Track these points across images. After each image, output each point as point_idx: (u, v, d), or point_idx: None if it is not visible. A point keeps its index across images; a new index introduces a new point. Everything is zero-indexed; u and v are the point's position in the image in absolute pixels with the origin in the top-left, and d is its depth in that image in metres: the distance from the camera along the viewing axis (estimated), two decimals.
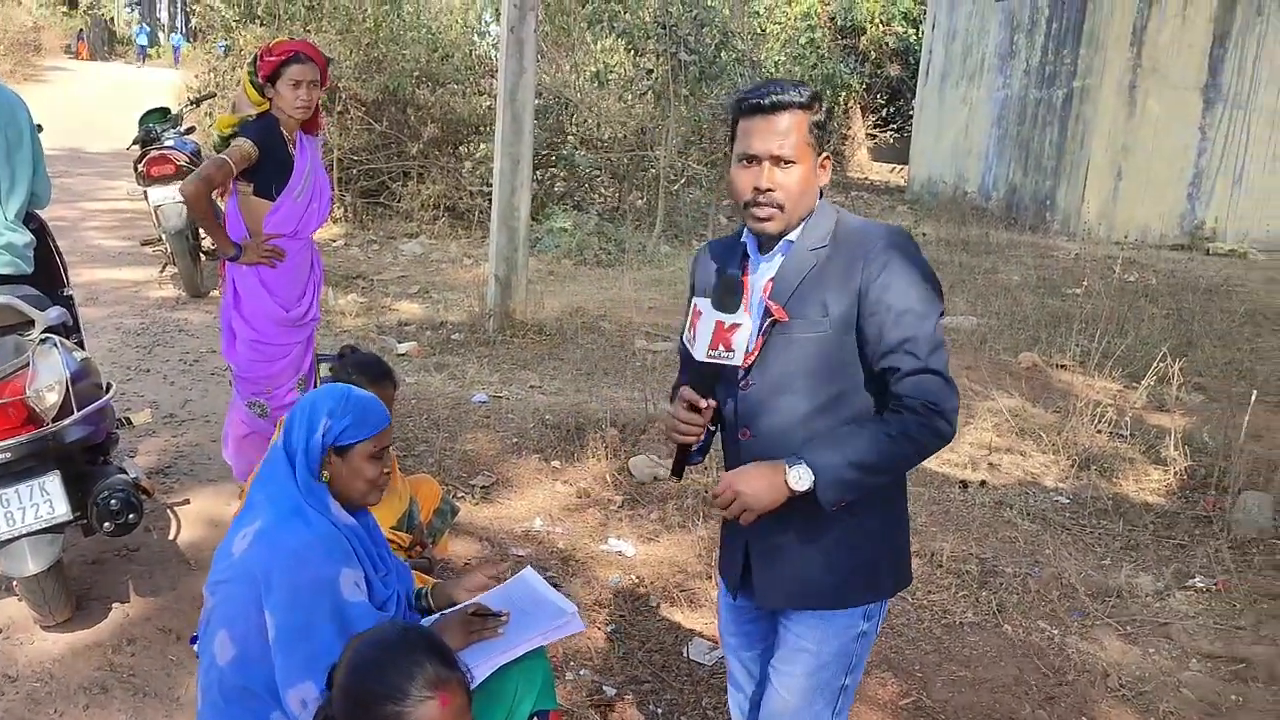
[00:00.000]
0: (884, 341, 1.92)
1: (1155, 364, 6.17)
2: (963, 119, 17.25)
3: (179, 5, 46.38)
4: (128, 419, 3.82)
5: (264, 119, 3.87)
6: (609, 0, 11.95)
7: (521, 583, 2.56)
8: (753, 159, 1.96)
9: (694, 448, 2.12)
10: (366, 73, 11.39)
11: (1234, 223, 14.07)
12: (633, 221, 11.77)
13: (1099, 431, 5.63)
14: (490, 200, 7.83)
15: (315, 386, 4.23)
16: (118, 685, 3.13)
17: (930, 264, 2.03)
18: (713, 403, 2.03)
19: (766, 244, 2.05)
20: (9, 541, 3.07)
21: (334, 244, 10.15)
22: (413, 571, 2.73)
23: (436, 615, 2.43)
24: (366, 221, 11.25)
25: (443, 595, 2.53)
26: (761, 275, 2.04)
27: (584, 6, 12.69)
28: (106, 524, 3.17)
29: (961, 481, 5.10)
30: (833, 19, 22.71)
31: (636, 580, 3.96)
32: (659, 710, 3.20)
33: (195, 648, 2.36)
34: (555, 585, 3.74)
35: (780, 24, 20.06)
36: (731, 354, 1.95)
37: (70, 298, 3.98)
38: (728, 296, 1.93)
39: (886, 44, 23.09)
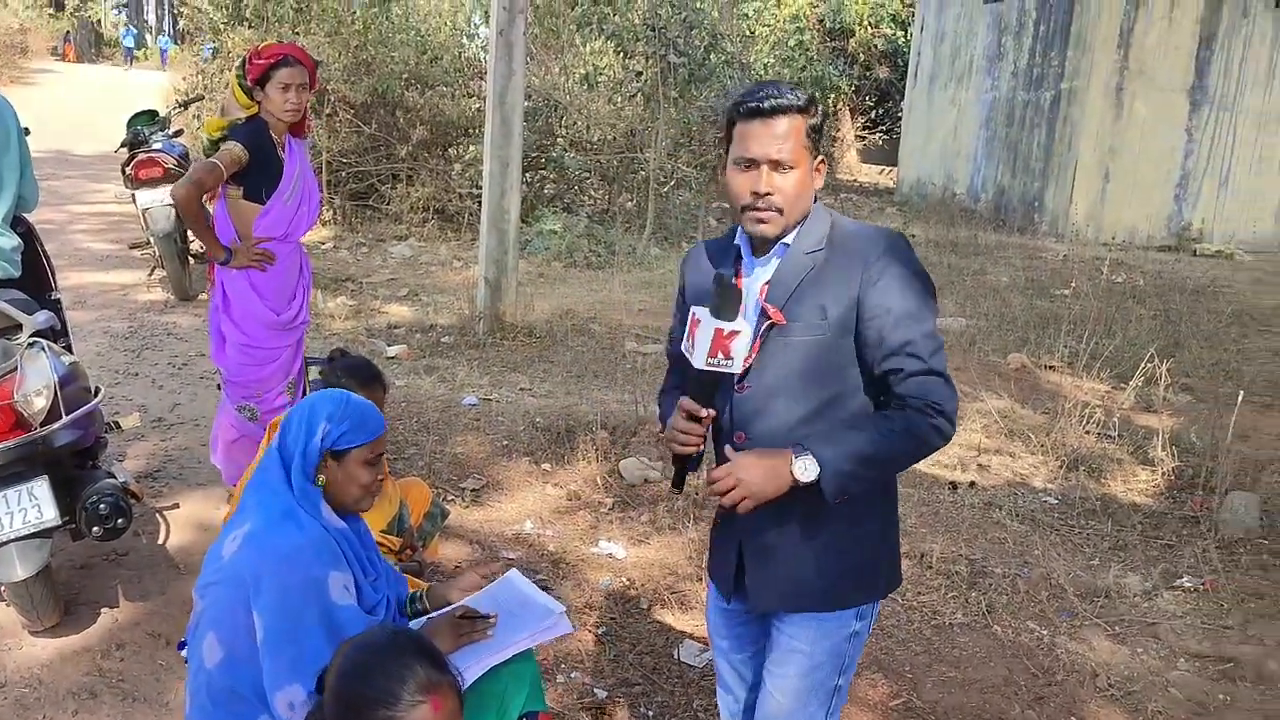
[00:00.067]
0: (885, 344, 1.93)
1: (1143, 365, 6.20)
2: (951, 121, 17.31)
3: (166, 7, 46.25)
4: (116, 423, 3.81)
5: (253, 122, 3.87)
6: (598, 3, 11.96)
7: (507, 584, 2.56)
8: (751, 163, 1.95)
9: (693, 458, 2.10)
10: (355, 75, 11.36)
11: (1220, 224, 14.16)
12: (622, 224, 11.78)
13: (1087, 432, 5.65)
14: (480, 203, 7.83)
15: (305, 390, 4.22)
16: (107, 690, 3.12)
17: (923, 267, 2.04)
18: (712, 412, 2.01)
19: (761, 246, 2.05)
20: None
21: (323, 247, 10.13)
22: (406, 576, 2.73)
23: (424, 619, 2.43)
24: (355, 224, 11.23)
25: (438, 597, 2.53)
26: (756, 278, 2.05)
27: (573, 9, 12.70)
28: (95, 528, 3.16)
29: (951, 483, 5.11)
30: (821, 21, 22.76)
31: (627, 582, 3.96)
32: (650, 712, 3.20)
33: (184, 653, 2.35)
34: (546, 588, 3.74)
35: (769, 26, 20.11)
36: (731, 362, 1.94)
37: (58, 301, 3.97)
38: (726, 304, 1.93)
39: (875, 46, 23.15)
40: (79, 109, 20.52)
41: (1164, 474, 5.24)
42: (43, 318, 3.41)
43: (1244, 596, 4.10)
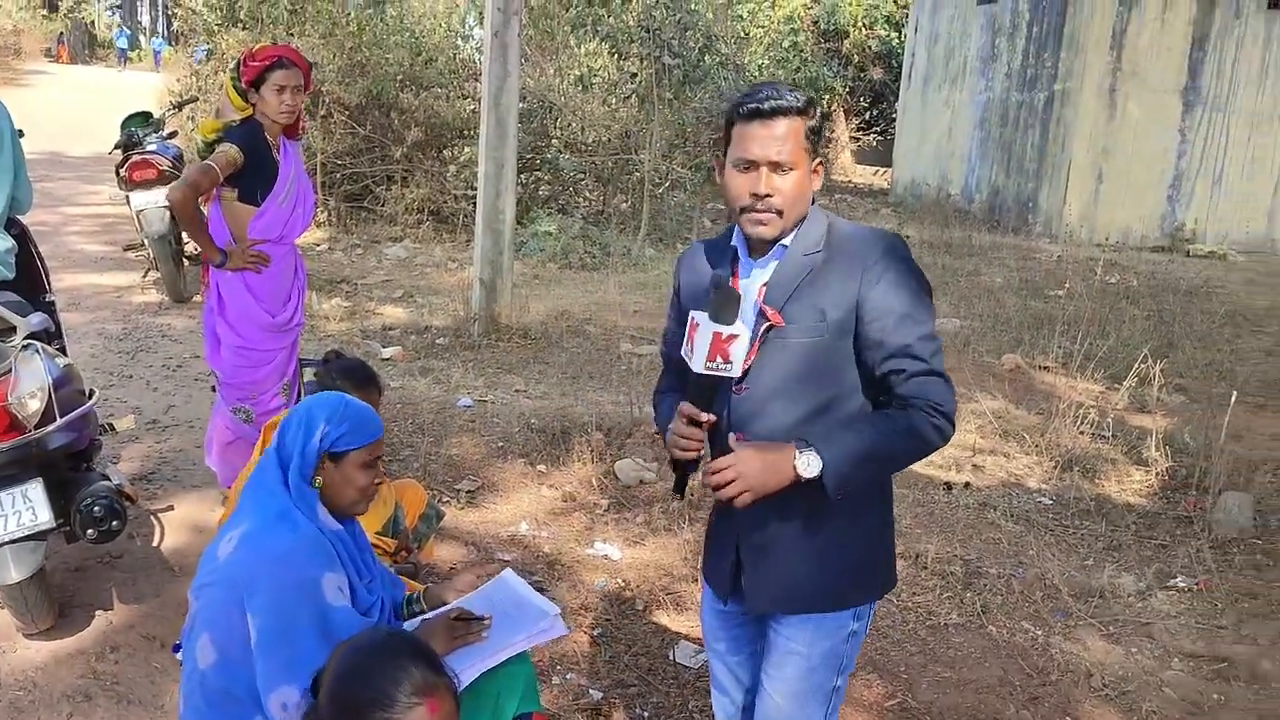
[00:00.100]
0: (885, 346, 1.94)
1: (1136, 365, 6.22)
2: (945, 122, 17.34)
3: (160, 9, 46.17)
4: (110, 425, 3.80)
5: (248, 124, 3.87)
6: (593, 4, 11.95)
7: (502, 584, 2.56)
8: (750, 164, 1.95)
9: (693, 463, 2.09)
10: (350, 76, 11.35)
11: (1214, 224, 14.21)
12: (617, 225, 11.78)
13: (1081, 433, 5.67)
14: (474, 204, 7.83)
15: (300, 392, 4.22)
16: (101, 693, 3.11)
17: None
18: (713, 418, 2.00)
19: (758, 248, 2.05)
20: None
21: (318, 248, 10.12)
22: (403, 579, 2.73)
23: (418, 620, 2.43)
24: (350, 226, 11.21)
25: (434, 599, 2.53)
26: (754, 280, 2.05)
27: (568, 11, 12.69)
28: (89, 531, 3.15)
29: (946, 483, 5.12)
30: (816, 23, 22.78)
31: (622, 584, 3.96)
32: (645, 713, 3.21)
33: (179, 655, 2.35)
34: (541, 589, 3.74)
35: (763, 28, 20.11)
36: (729, 366, 1.94)
37: (52, 303, 3.96)
38: (724, 307, 1.92)
39: (869, 47, 23.19)
40: (73, 110, 20.47)
41: (1158, 474, 5.26)
42: (37, 320, 3.41)
43: (1238, 596, 4.12)
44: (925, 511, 4.79)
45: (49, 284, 4.02)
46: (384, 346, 6.92)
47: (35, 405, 3.06)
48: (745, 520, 2.08)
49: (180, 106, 9.17)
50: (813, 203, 2.05)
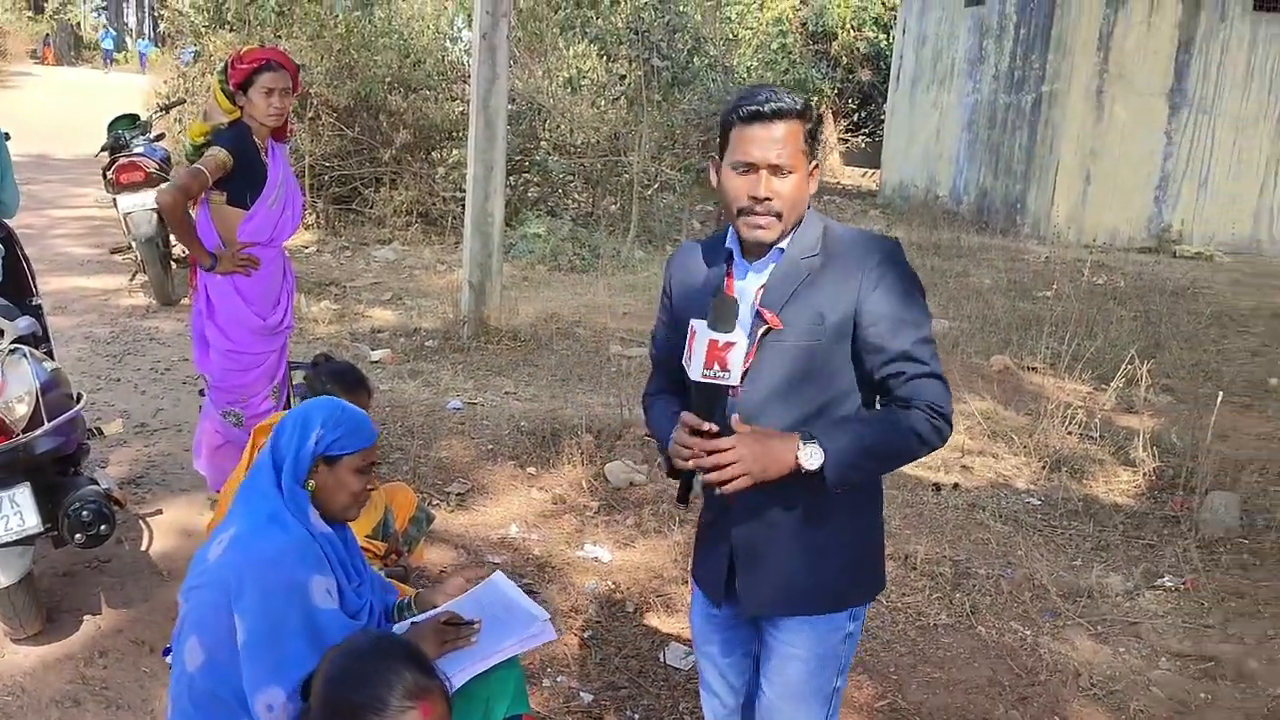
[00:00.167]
0: (886, 351, 1.95)
1: (1124, 366, 6.25)
2: (934, 123, 17.40)
3: (146, 10, 46.00)
4: (99, 429, 3.79)
5: (236, 127, 3.86)
6: (581, 6, 11.97)
7: (492, 588, 2.56)
8: (750, 167, 1.94)
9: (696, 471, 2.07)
10: (338, 78, 11.33)
11: (1200, 226, 14.28)
12: (606, 227, 11.78)
13: (1069, 433, 5.69)
14: (463, 206, 7.82)
15: (289, 395, 4.21)
16: (90, 698, 3.10)
17: None
18: (714, 427, 1.97)
19: (754, 250, 2.04)
20: None
21: (306, 251, 10.10)
22: (395, 584, 2.72)
23: (407, 624, 2.43)
24: (339, 228, 11.19)
25: (426, 603, 2.53)
26: (749, 282, 2.05)
27: (556, 13, 12.70)
28: (78, 535, 3.14)
29: (935, 484, 5.14)
30: (804, 24, 22.82)
31: (613, 586, 3.97)
32: (636, 716, 3.21)
33: (168, 659, 2.35)
34: (531, 592, 3.75)
35: (752, 29, 20.15)
36: (727, 374, 1.94)
37: (39, 307, 3.95)
38: (722, 316, 1.92)
39: (858, 49, 23.23)
40: (59, 113, 20.37)
41: (1145, 474, 5.28)
42: (24, 324, 3.40)
43: (1224, 595, 4.14)
44: (914, 512, 4.81)
45: (36, 287, 4.00)
46: (373, 349, 6.91)
47: (23, 409, 3.05)
48: (738, 522, 2.08)
49: (167, 109, 9.14)
50: (808, 206, 2.06)
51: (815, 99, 21.05)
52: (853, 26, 23.06)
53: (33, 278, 3.97)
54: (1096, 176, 14.01)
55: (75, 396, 3.44)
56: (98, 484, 3.26)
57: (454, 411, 5.67)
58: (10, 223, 3.85)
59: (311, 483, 2.27)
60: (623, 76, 11.75)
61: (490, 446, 5.21)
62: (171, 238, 7.30)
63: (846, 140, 23.56)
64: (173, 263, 7.66)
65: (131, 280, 8.04)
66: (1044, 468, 5.40)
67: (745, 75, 16.07)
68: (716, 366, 1.93)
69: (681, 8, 12.12)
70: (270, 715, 2.07)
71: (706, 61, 12.28)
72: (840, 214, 15.99)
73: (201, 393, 4.30)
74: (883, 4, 22.84)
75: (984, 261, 11.52)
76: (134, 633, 3.45)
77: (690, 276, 2.15)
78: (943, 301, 9.24)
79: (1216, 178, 14.26)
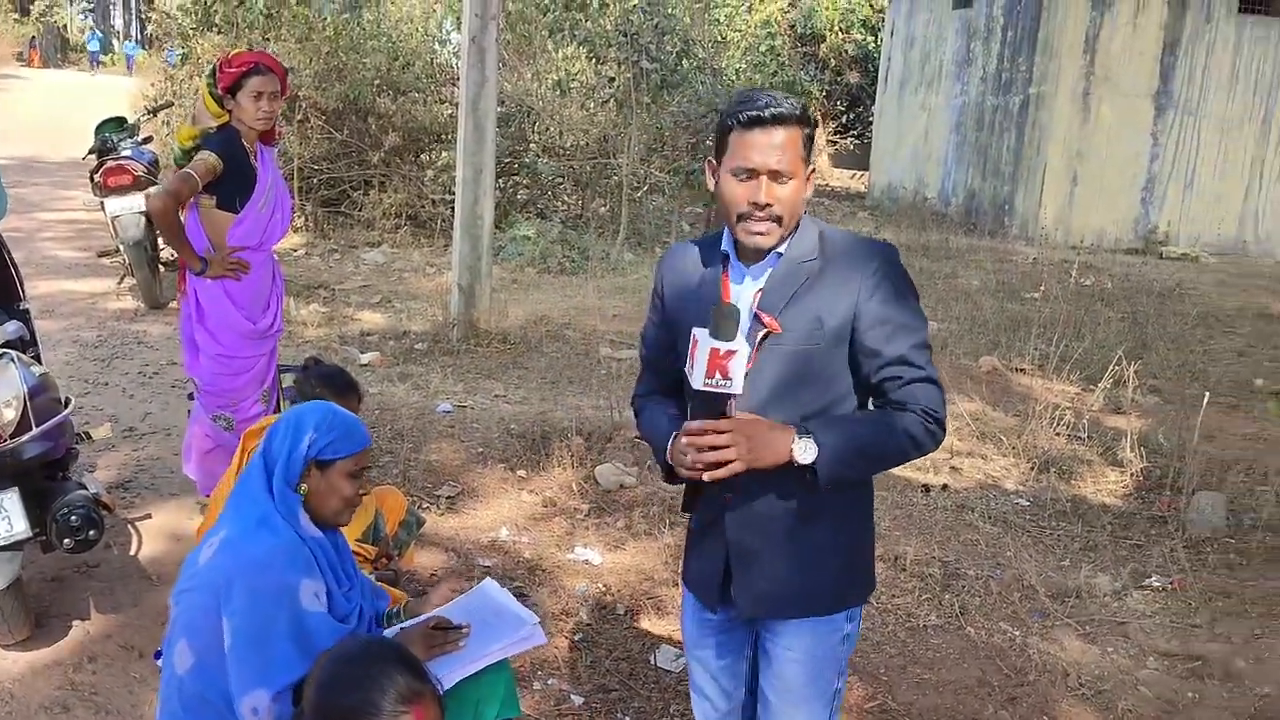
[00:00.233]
0: (883, 355, 1.97)
1: (1111, 367, 6.28)
2: (922, 125, 17.44)
3: (133, 12, 45.83)
4: (87, 434, 3.78)
5: (225, 131, 3.85)
6: (570, 9, 11.96)
7: (481, 594, 2.56)
8: (750, 173, 1.94)
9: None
10: (326, 81, 11.30)
11: (1186, 227, 14.36)
12: (596, 229, 11.78)
13: (1058, 434, 5.72)
14: (453, 209, 7.81)
15: (279, 399, 4.20)
16: (79, 704, 3.09)
17: None
18: (717, 439, 1.97)
19: (749, 255, 2.04)
20: None
21: (295, 254, 10.08)
22: (387, 590, 2.72)
23: (396, 628, 2.43)
24: (328, 231, 11.17)
25: (414, 613, 2.53)
26: (746, 286, 2.05)
27: (545, 15, 12.68)
28: (66, 540, 3.13)
29: (924, 485, 5.16)
30: (793, 27, 22.85)
31: (603, 588, 3.97)
32: (627, 718, 3.21)
33: (159, 663, 2.35)
34: (522, 595, 3.75)
35: (740, 32, 20.15)
36: (729, 382, 1.94)
37: (26, 311, 3.93)
38: (724, 325, 1.92)
39: (846, 51, 23.28)
40: (45, 115, 20.28)
41: (1133, 475, 5.31)
42: (12, 328, 3.39)
43: (1211, 595, 4.17)
44: (904, 514, 4.82)
45: (23, 291, 3.98)
46: (362, 352, 6.89)
47: (10, 414, 3.04)
48: (734, 524, 2.09)
49: (155, 111, 9.11)
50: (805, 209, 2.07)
51: (804, 101, 21.08)
52: (841, 29, 23.11)
53: (20, 282, 3.95)
54: (1083, 178, 14.07)
55: (64, 401, 3.43)
56: (86, 489, 3.25)
57: (444, 415, 5.67)
58: None
59: (304, 487, 2.27)
60: (612, 79, 11.75)
61: (480, 449, 5.21)
62: (159, 241, 7.27)
63: (835, 142, 23.60)
64: (161, 266, 7.63)
65: (119, 284, 8.01)
66: (1032, 468, 5.42)
67: (734, 78, 16.07)
68: (718, 375, 1.93)
69: (670, 10, 12.13)
70: (255, 718, 2.07)
71: (695, 64, 12.29)
72: (829, 216, 16.02)
73: (190, 397, 4.29)
74: (871, 6, 22.90)
75: (972, 263, 11.56)
76: (123, 638, 3.44)
77: (684, 277, 2.15)
78: (931, 303, 9.26)
79: (1202, 179, 14.34)
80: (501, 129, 10.27)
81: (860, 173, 22.03)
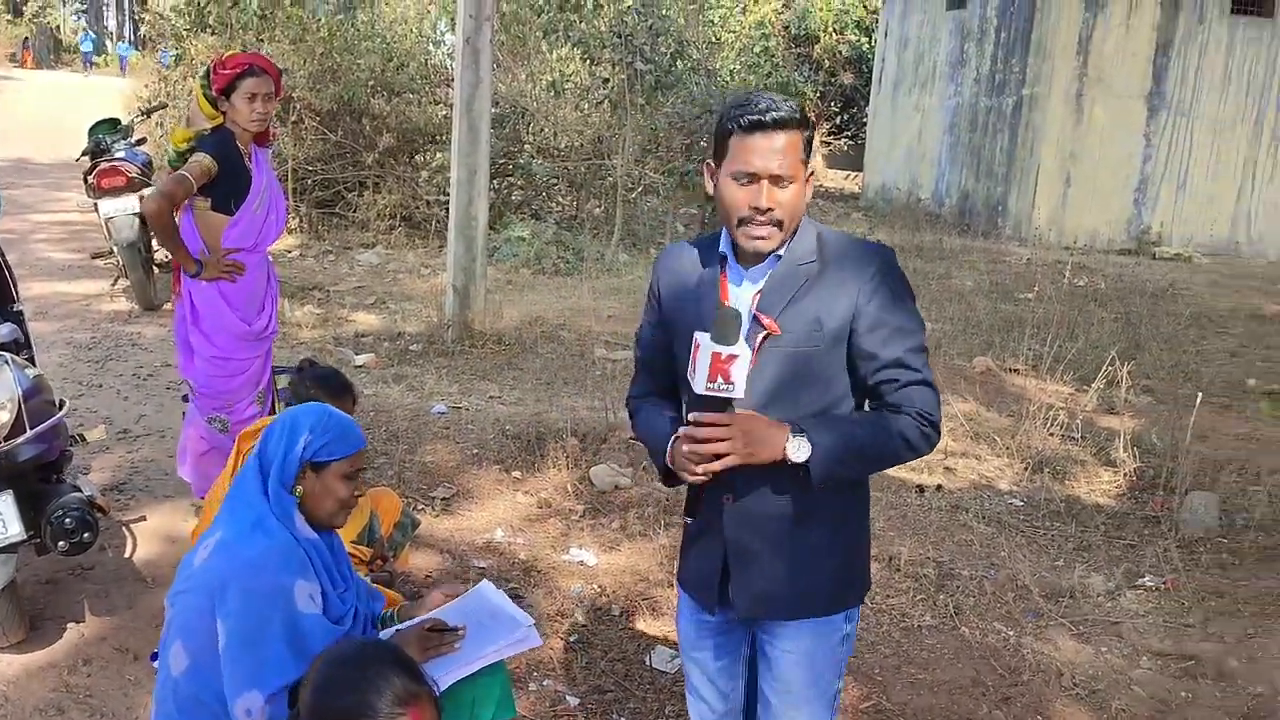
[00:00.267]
0: (880, 358, 1.98)
1: (1105, 367, 6.30)
2: (916, 126, 17.48)
3: (127, 13, 45.73)
4: (81, 436, 3.77)
5: (219, 133, 3.85)
6: (565, 10, 11.97)
7: (478, 596, 2.57)
8: (752, 177, 1.94)
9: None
10: (321, 82, 11.29)
11: (1179, 227, 14.40)
12: (590, 230, 11.78)
13: (1051, 434, 5.73)
14: (447, 210, 7.81)
15: (274, 400, 4.20)
16: (74, 706, 3.09)
17: None
18: (719, 448, 1.96)
19: (748, 257, 2.04)
20: None
21: (289, 255, 10.07)
22: (383, 593, 2.72)
23: (392, 630, 2.43)
24: (322, 232, 11.16)
25: (409, 617, 2.53)
26: (744, 289, 2.05)
27: (540, 16, 12.69)
28: (61, 543, 3.12)
29: (918, 486, 5.17)
30: (786, 28, 22.88)
31: (598, 590, 3.97)
32: (622, 719, 3.22)
33: (156, 664, 2.35)
34: (517, 597, 3.76)
35: (735, 33, 20.17)
36: (731, 386, 1.92)
37: (20, 313, 3.93)
38: (726, 329, 1.92)
39: (840, 52, 23.30)
40: (39, 116, 20.23)
41: (1126, 475, 5.33)
42: (5, 330, 3.39)
43: (1204, 595, 4.18)
44: (898, 514, 4.83)
45: (16, 293, 3.98)
46: (357, 354, 6.89)
47: (4, 417, 3.04)
48: (732, 525, 2.09)
49: (149, 113, 9.08)
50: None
51: (800, 102, 21.09)
52: (835, 30, 23.14)
53: (13, 283, 3.95)
54: (1076, 179, 14.11)
55: (58, 403, 3.43)
56: (81, 491, 3.25)
57: (438, 416, 5.66)
58: None
59: (299, 489, 2.27)
60: (606, 80, 11.76)
61: (475, 451, 5.21)
62: (153, 242, 7.26)
63: (829, 143, 23.62)
64: (154, 267, 7.62)
65: (113, 285, 8.00)
66: (1026, 469, 5.43)
67: (728, 79, 16.08)
68: (720, 379, 1.92)
69: (664, 11, 12.14)
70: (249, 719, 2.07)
71: (689, 65, 12.30)
72: (823, 217, 16.03)
73: (185, 398, 4.28)
74: (864, 7, 22.93)
75: (966, 263, 11.58)
76: (118, 640, 3.43)
77: (681, 278, 2.15)
78: (925, 303, 9.28)
79: (1195, 180, 14.39)
80: (496, 130, 10.27)
81: (854, 173, 22.06)
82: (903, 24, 18.13)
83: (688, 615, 2.31)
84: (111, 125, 7.89)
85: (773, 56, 20.96)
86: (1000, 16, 15.09)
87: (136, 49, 33.75)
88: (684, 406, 2.14)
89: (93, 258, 8.48)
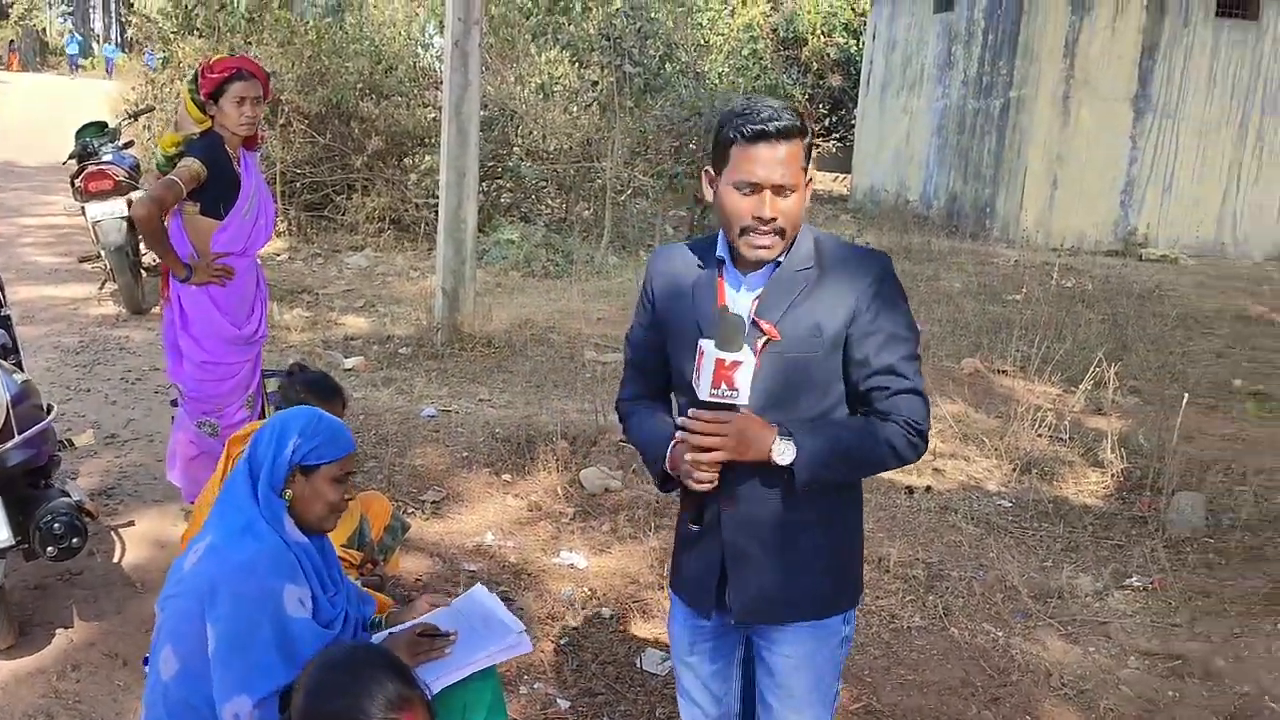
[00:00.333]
0: (871, 364, 1.99)
1: (1092, 368, 6.33)
2: (904, 128, 17.52)
3: (113, 16, 45.55)
4: (69, 441, 3.77)
5: (208, 137, 3.84)
6: (553, 13, 11.98)
7: (471, 600, 2.57)
8: (755, 187, 1.94)
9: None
10: (309, 85, 11.26)
11: (1165, 229, 14.47)
12: (580, 233, 11.79)
13: (1039, 435, 5.76)
14: (436, 212, 7.81)
15: (264, 404, 4.19)
16: (63, 712, 3.08)
17: None
18: (720, 455, 1.97)
19: (747, 263, 2.04)
20: None
21: (278, 258, 10.04)
22: (375, 597, 2.72)
23: (384, 634, 2.43)
24: (310, 235, 11.13)
25: (398, 622, 2.53)
26: (744, 295, 2.06)
27: (528, 19, 12.69)
28: (49, 548, 3.12)
29: (908, 488, 5.18)
30: (775, 30, 22.93)
31: (589, 592, 3.98)
32: None
33: (146, 668, 2.35)
34: (507, 600, 3.75)
35: (723, 36, 20.20)
36: (735, 393, 1.92)
37: (8, 317, 3.92)
38: (729, 335, 1.92)
39: (828, 55, 23.36)
40: (25, 119, 20.14)
41: (1113, 475, 5.35)
42: None
43: (1191, 595, 4.20)
44: (887, 515, 4.85)
45: (4, 297, 3.97)
46: (346, 357, 6.88)
47: None
48: (729, 527, 2.09)
49: (136, 116, 9.05)
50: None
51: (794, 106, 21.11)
52: (823, 32, 23.19)
53: (0, 287, 3.93)
54: (1063, 181, 14.17)
55: (45, 408, 3.42)
56: (69, 496, 3.24)
57: (428, 419, 5.66)
58: None
59: (289, 492, 2.27)
60: (595, 83, 11.77)
61: (465, 454, 5.21)
62: (141, 246, 7.24)
63: (817, 145, 23.65)
64: (142, 271, 7.59)
65: (101, 289, 7.96)
66: (1015, 470, 5.46)
67: (717, 81, 16.11)
68: (724, 386, 1.92)
69: (653, 14, 12.16)
70: None
71: (678, 68, 12.32)
72: (812, 219, 16.01)
73: (174, 403, 4.27)
74: (853, 10, 23.00)
75: (954, 265, 11.62)
76: (107, 645, 3.42)
77: (675, 279, 2.15)
78: (913, 305, 9.13)
79: (1181, 182, 14.46)
80: (485, 133, 10.26)
81: (842, 175, 22.10)
82: (890, 26, 18.19)
83: (681, 620, 2.31)
84: (99, 128, 7.86)
85: (761, 59, 21.00)
86: (987, 19, 15.14)
87: (123, 51, 33.62)
88: (677, 410, 2.15)
89: (80, 261, 8.44)
